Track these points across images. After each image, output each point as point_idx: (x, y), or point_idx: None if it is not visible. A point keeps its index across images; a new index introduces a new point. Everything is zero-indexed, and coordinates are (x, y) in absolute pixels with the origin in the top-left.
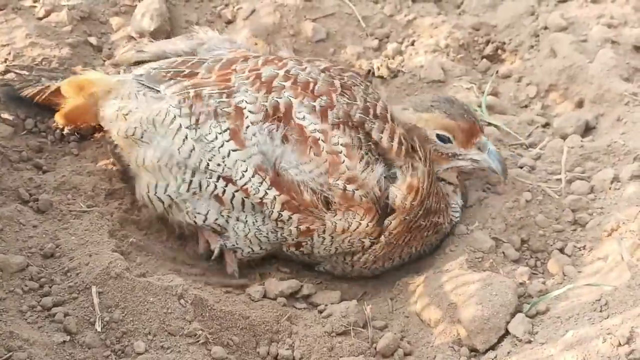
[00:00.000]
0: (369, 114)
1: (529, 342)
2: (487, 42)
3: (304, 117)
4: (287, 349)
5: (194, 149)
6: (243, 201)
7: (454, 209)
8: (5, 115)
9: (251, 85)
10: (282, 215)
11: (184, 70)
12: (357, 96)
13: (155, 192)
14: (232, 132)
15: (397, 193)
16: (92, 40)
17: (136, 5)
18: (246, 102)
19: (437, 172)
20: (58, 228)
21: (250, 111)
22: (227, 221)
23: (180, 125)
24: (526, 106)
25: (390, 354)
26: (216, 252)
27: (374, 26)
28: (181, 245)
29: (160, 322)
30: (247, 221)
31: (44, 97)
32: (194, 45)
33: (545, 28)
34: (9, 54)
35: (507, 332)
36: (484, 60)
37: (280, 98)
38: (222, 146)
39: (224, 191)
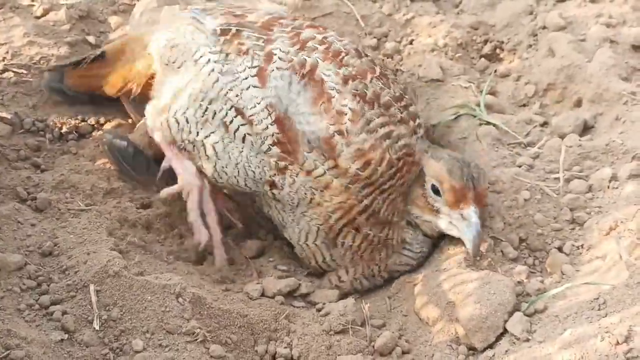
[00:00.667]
0: (399, 103)
1: (527, 340)
2: (486, 42)
3: (329, 75)
4: (285, 347)
5: (217, 80)
6: (244, 136)
7: (410, 242)
8: (3, 114)
9: (289, 39)
10: (270, 150)
11: (236, 12)
12: (392, 86)
13: (175, 114)
14: (259, 70)
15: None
16: (91, 39)
17: (134, 4)
18: (280, 49)
19: (417, 219)
20: (56, 227)
21: (279, 58)
22: (224, 148)
23: (209, 59)
24: (524, 105)
25: (388, 353)
26: (202, 246)
27: (372, 25)
28: (180, 244)
29: (158, 320)
30: (242, 151)
31: (88, 63)
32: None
33: (544, 27)
34: (7, 52)
35: (505, 331)
36: (483, 59)
37: (309, 57)
38: (246, 78)
39: (232, 120)
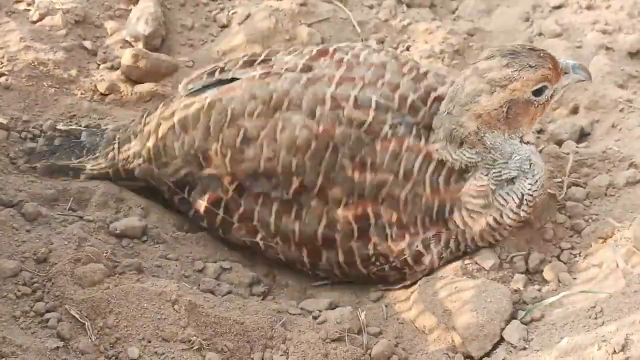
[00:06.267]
0: None
1: (524, 349)
2: (482, 48)
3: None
4: (282, 355)
5: None
6: None
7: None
8: None
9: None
10: None
11: None
12: None
13: None
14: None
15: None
16: (87, 44)
17: (131, 9)
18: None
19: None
20: (52, 233)
21: None
22: None
23: None
24: None
25: None
26: None
27: (369, 31)
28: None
29: (154, 327)
30: None
31: None
32: None
33: (540, 34)
34: (3, 57)
35: (501, 339)
36: None
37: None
38: None
39: None
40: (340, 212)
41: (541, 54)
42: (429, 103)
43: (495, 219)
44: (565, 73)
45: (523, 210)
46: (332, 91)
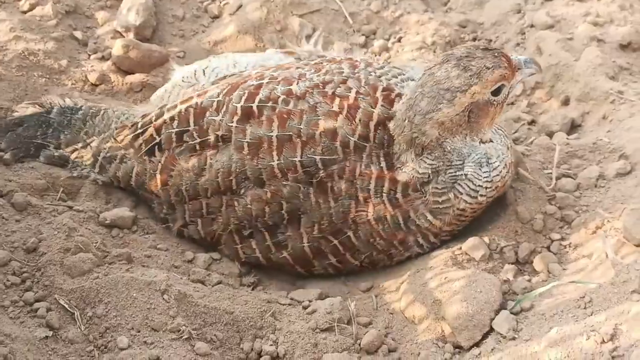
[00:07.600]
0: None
1: (513, 338)
2: (474, 40)
3: None
4: (271, 344)
5: None
6: None
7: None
8: None
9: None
10: None
11: None
12: None
13: None
14: None
15: None
16: (78, 34)
17: (122, 0)
18: None
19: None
20: (41, 223)
21: None
22: None
23: None
24: (512, 103)
25: (374, 350)
26: None
27: (360, 22)
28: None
29: (144, 317)
30: None
31: None
32: None
33: (532, 26)
34: None
35: (491, 329)
36: None
37: None
38: None
39: None
40: (316, 233)
41: (495, 54)
42: (371, 137)
43: (458, 209)
44: (519, 69)
45: (481, 195)
46: (277, 163)
